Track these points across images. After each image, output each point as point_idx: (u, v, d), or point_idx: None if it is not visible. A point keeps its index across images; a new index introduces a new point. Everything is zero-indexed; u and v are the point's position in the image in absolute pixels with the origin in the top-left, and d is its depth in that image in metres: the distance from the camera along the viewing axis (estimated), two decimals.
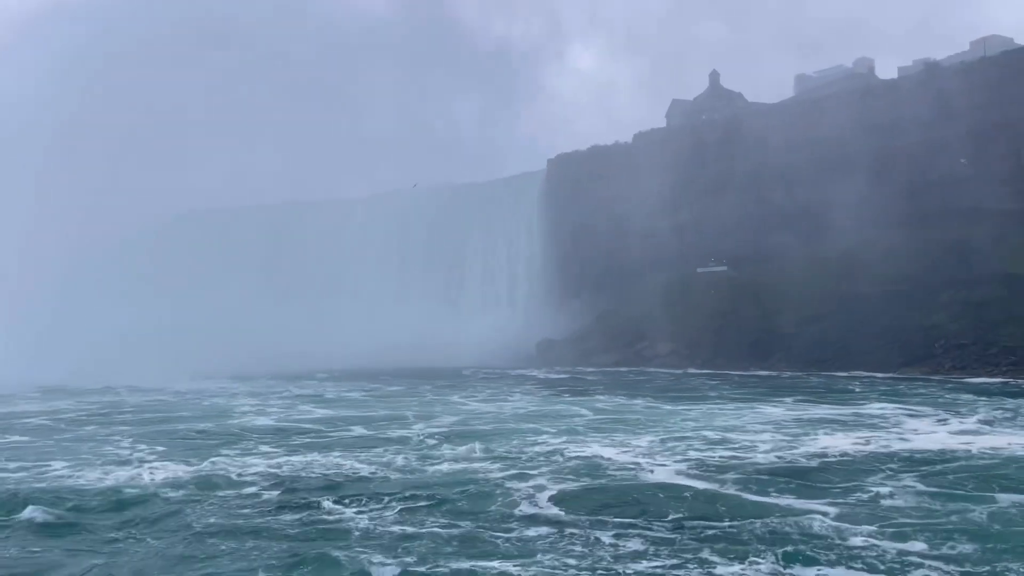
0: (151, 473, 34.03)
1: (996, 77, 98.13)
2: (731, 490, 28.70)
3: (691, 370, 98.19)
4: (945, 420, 46.69)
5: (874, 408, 53.36)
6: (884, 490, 27.98)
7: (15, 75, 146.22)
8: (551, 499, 27.56)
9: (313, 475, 32.93)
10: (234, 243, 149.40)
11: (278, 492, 29.85)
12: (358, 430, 47.38)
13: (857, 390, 69.05)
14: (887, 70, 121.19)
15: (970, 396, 60.91)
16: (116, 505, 28.43)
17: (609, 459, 34.72)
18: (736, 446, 37.90)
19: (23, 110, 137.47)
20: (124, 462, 37.06)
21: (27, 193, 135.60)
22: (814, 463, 33.29)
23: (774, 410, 53.19)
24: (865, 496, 27.34)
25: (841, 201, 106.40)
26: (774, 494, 27.85)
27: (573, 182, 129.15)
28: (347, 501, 28.03)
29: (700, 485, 29.30)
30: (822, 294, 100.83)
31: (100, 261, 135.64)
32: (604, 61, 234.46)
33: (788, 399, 60.67)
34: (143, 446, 42.23)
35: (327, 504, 27.61)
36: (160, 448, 41.44)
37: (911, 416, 49.02)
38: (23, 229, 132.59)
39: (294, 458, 37.06)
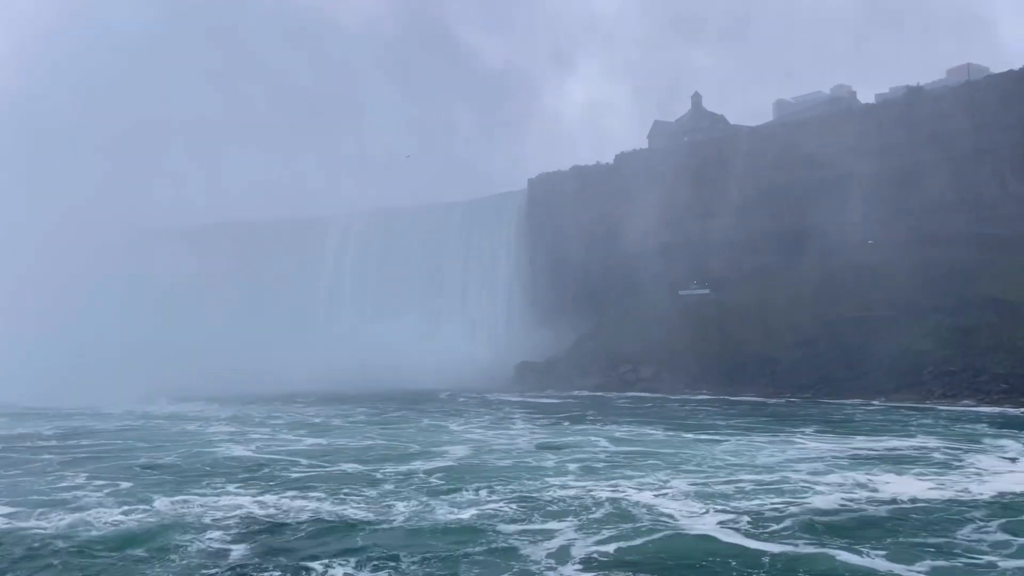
0: (101, 517, 29.97)
1: (979, 102, 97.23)
2: (798, 548, 24.78)
3: (676, 395, 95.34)
4: (1014, 458, 42.54)
5: (914, 442, 49.90)
6: (986, 546, 24.36)
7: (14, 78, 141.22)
8: (581, 564, 23.76)
9: (295, 522, 28.97)
10: (212, 260, 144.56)
11: (249, 545, 25.81)
12: (350, 466, 43.38)
13: (859, 418, 66.52)
14: (865, 97, 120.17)
15: (987, 427, 58.21)
16: (48, 561, 24.37)
17: (645, 506, 30.92)
18: (787, 489, 34.09)
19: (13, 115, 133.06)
20: (72, 503, 33.00)
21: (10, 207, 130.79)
22: (886, 511, 29.60)
23: (810, 443, 49.46)
24: (970, 556, 23.58)
25: (825, 224, 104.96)
26: (854, 554, 24.01)
27: (554, 202, 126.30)
28: (333, 558, 24.06)
29: (756, 544, 25.50)
30: (807, 318, 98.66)
31: (76, 277, 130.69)
32: (585, 83, 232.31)
33: (806, 429, 57.64)
34: (101, 482, 38.17)
35: (309, 564, 23.75)
36: (120, 484, 37.40)
37: (965, 451, 44.92)
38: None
39: (273, 499, 33.04)
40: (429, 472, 40.50)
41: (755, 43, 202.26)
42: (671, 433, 55.49)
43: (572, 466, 41.64)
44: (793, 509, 29.97)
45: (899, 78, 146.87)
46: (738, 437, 53.11)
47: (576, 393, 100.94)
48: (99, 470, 42.38)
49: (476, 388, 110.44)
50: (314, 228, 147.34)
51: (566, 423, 65.64)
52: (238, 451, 50.28)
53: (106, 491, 35.94)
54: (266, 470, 41.94)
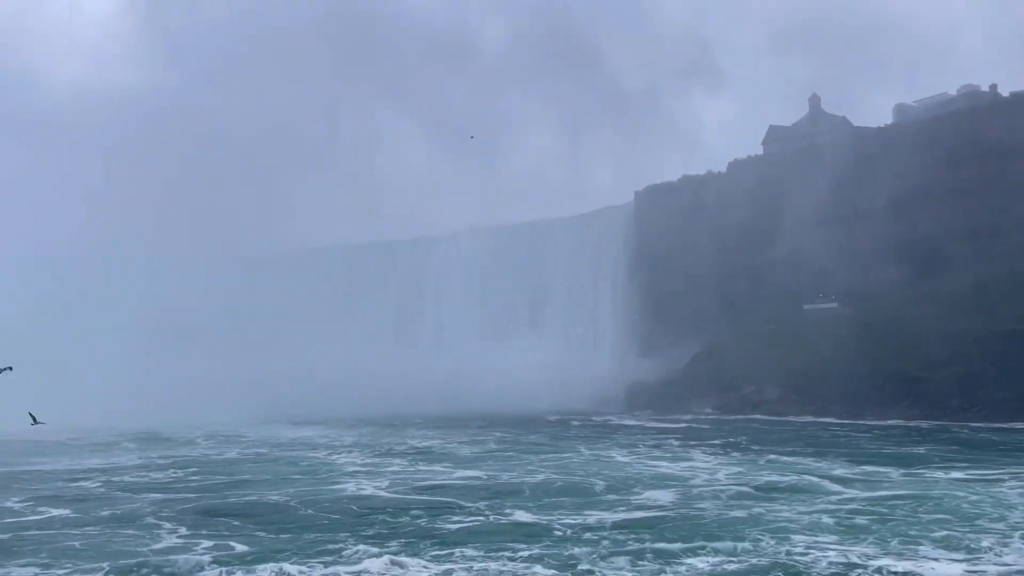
0: None
1: None
2: None
3: (810, 418, 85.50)
4: None
5: None
6: None
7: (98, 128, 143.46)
8: None
9: None
10: (317, 283, 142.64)
11: None
12: (524, 514, 34.68)
13: None
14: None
15: None
16: None
17: None
18: None
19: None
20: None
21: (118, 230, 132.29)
22: None
23: None
24: None
25: (961, 232, 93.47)
26: None
27: (663, 215, 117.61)
28: None
29: None
30: (954, 332, 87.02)
31: (186, 301, 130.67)
32: (693, 91, 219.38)
33: None
34: (206, 541, 30.91)
35: None
36: (232, 544, 30.29)
37: None
38: (115, 276, 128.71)
39: (442, 569, 25.31)
40: (640, 525, 32.16)
41: (869, 49, 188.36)
42: (905, 472, 45.83)
43: (825, 519, 33.12)
44: None
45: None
46: (1004, 474, 43.27)
47: (699, 416, 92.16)
48: (211, 511, 37.46)
49: (584, 410, 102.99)
50: (418, 248, 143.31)
51: (734, 452, 57.20)
52: (373, 488, 43.31)
53: (215, 551, 29.50)
54: (419, 519, 34.32)
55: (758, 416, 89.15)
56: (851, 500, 37.76)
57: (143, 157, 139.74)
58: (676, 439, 68.59)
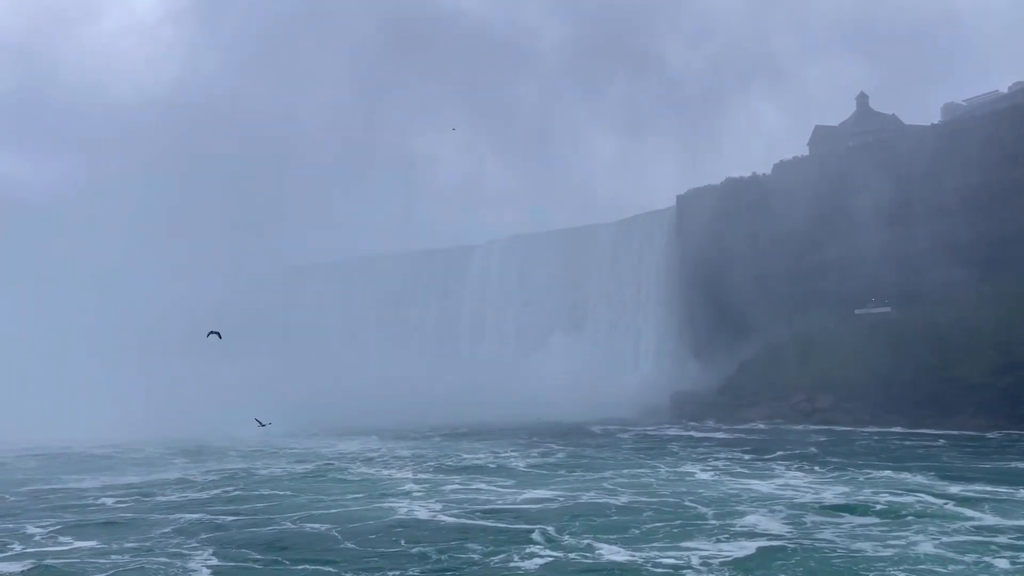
0: None
1: None
2: None
3: (866, 428, 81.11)
4: None
5: None
6: None
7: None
8: None
9: None
10: (357, 293, 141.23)
11: None
12: (617, 550, 29.57)
13: None
14: None
15: None
16: None
17: None
18: None
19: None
20: None
21: (151, 250, 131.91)
22: None
23: None
24: None
25: (1022, 232, 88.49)
26: None
27: (706, 219, 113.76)
28: None
29: None
30: (1012, 338, 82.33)
31: (227, 316, 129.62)
32: (734, 94, 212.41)
33: None
34: None
35: None
36: None
37: None
38: (150, 287, 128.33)
39: None
40: (759, 562, 27.79)
41: (914, 49, 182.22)
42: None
43: (999, 563, 28.12)
44: None
45: None
46: None
47: (751, 426, 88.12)
48: (245, 543, 34.32)
49: (627, 420, 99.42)
50: (457, 256, 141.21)
51: (843, 471, 51.62)
52: (428, 512, 38.99)
53: None
54: (486, 554, 29.93)
55: (812, 426, 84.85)
56: (997, 529, 32.98)
57: (184, 167, 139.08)
58: (744, 451, 64.48)
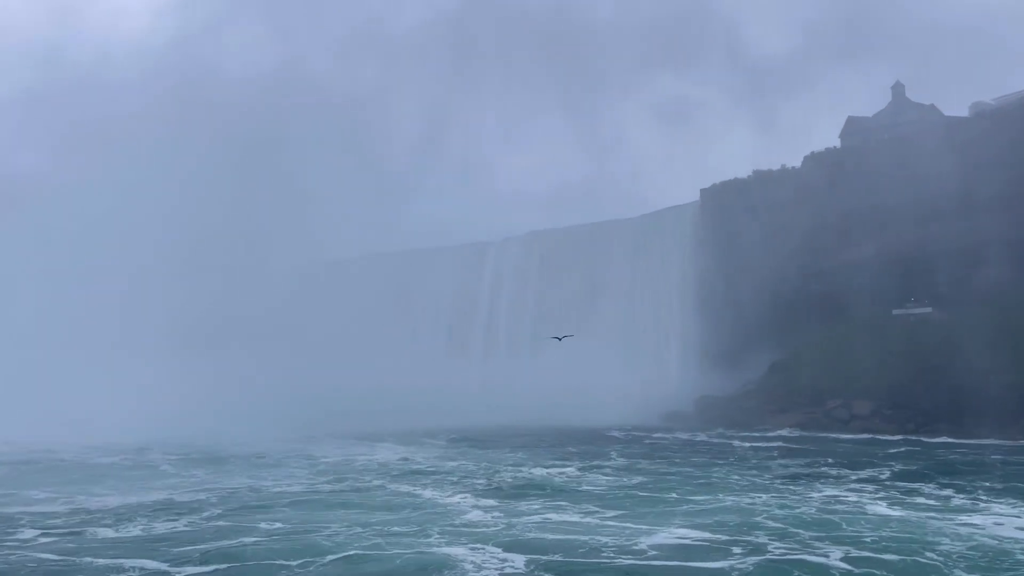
0: None
1: None
2: None
3: (912, 436, 73.57)
4: None
5: None
6: None
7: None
8: None
9: None
10: (369, 290, 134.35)
11: None
12: None
13: None
14: None
15: None
16: None
17: None
18: None
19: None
20: None
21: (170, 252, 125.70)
22: None
23: None
24: None
25: None
26: None
27: (732, 214, 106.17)
28: None
29: None
30: None
31: (240, 316, 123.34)
32: (759, 82, 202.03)
33: None
34: None
35: None
36: None
37: None
38: (164, 287, 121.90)
39: None
40: None
41: (939, 48, 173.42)
42: None
43: None
44: None
45: None
46: None
47: (781, 433, 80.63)
48: None
49: (652, 425, 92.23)
50: (469, 254, 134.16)
51: (921, 493, 43.91)
52: (503, 548, 29.75)
53: None
54: None
55: (852, 436, 77.24)
56: None
57: (220, 154, 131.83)
58: (841, 466, 55.48)
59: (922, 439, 73.46)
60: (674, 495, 44.26)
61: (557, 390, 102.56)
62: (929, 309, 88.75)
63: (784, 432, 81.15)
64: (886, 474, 52.21)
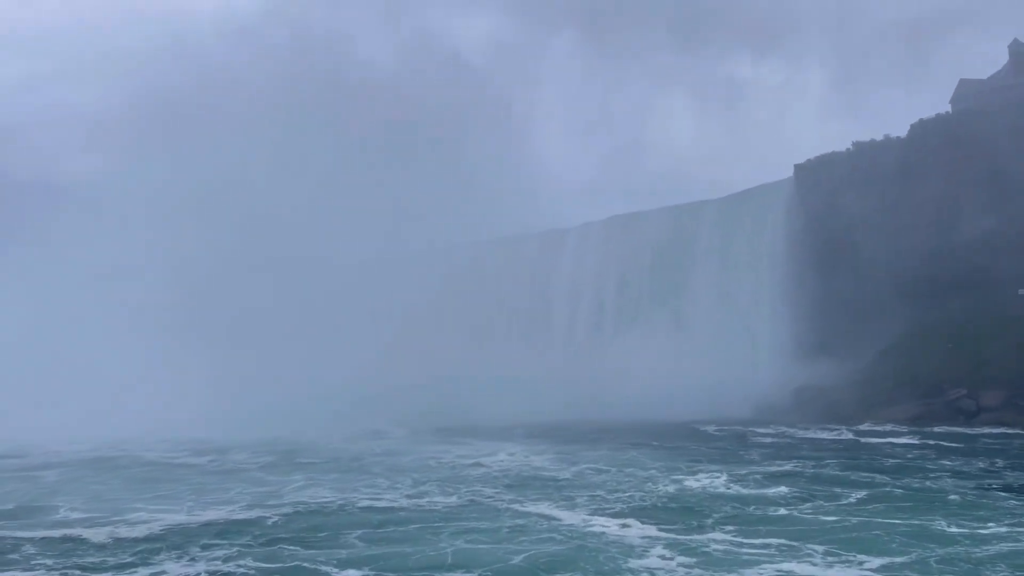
0: None
1: None
2: None
3: None
4: None
5: None
6: None
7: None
8: None
9: None
10: (444, 284, 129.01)
11: None
12: None
13: None
14: None
15: None
16: None
17: None
18: None
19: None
20: None
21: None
22: None
23: None
24: None
25: None
26: None
27: (830, 191, 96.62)
28: None
29: None
30: None
31: (313, 311, 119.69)
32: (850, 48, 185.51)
33: None
34: None
35: None
36: None
37: None
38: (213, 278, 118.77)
39: None
40: None
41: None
42: None
43: None
44: None
45: None
46: None
47: (899, 428, 71.37)
48: None
49: (744, 419, 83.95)
50: (550, 240, 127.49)
51: None
52: None
53: None
54: None
55: (988, 429, 67.67)
56: None
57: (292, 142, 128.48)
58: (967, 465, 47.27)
59: None
60: (939, 525, 31.86)
61: (640, 381, 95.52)
62: None
63: (903, 427, 71.79)
64: None
